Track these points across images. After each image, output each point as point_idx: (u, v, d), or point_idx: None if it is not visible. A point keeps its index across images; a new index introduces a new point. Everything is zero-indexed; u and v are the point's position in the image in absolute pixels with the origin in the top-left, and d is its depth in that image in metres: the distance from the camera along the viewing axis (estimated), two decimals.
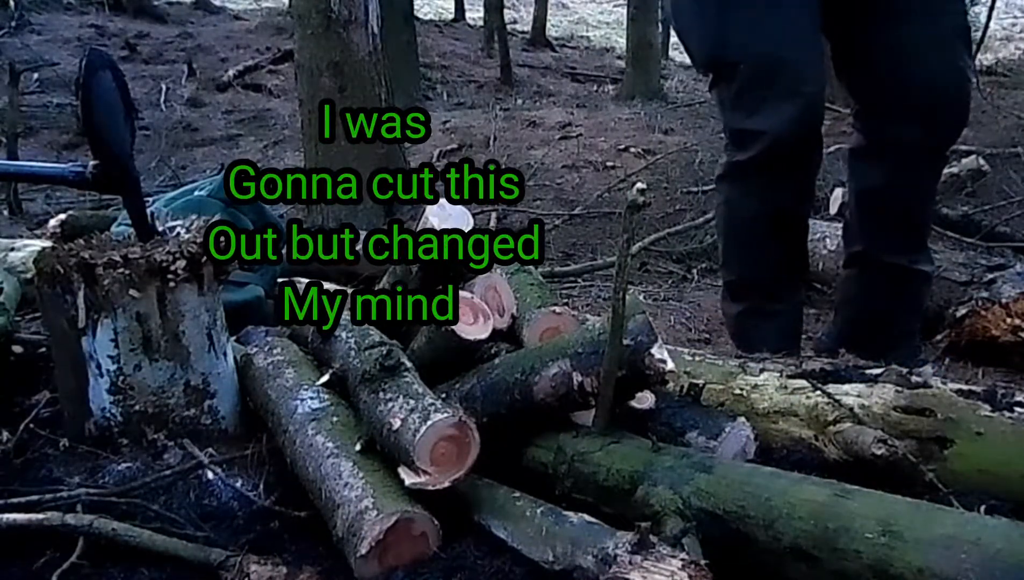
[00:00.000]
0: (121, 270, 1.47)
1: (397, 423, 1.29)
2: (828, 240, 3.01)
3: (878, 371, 1.60)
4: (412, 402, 1.32)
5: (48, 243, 2.44)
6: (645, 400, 1.47)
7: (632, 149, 5.17)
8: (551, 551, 1.16)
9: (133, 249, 1.51)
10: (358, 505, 1.23)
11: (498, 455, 1.38)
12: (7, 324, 1.93)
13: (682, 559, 1.03)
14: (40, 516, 1.30)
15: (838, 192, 3.57)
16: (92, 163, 1.54)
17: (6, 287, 2.08)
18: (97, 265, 1.46)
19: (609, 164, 4.96)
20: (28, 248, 2.55)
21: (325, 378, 1.54)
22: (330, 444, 1.38)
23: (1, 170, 2.55)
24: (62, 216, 3.19)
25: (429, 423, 1.26)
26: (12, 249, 2.60)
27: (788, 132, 1.83)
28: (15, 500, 1.35)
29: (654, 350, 1.30)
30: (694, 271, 3.38)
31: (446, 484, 1.26)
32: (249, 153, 6.32)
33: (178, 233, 1.62)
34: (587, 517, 1.19)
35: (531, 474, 1.40)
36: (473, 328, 1.51)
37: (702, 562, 1.04)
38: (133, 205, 1.62)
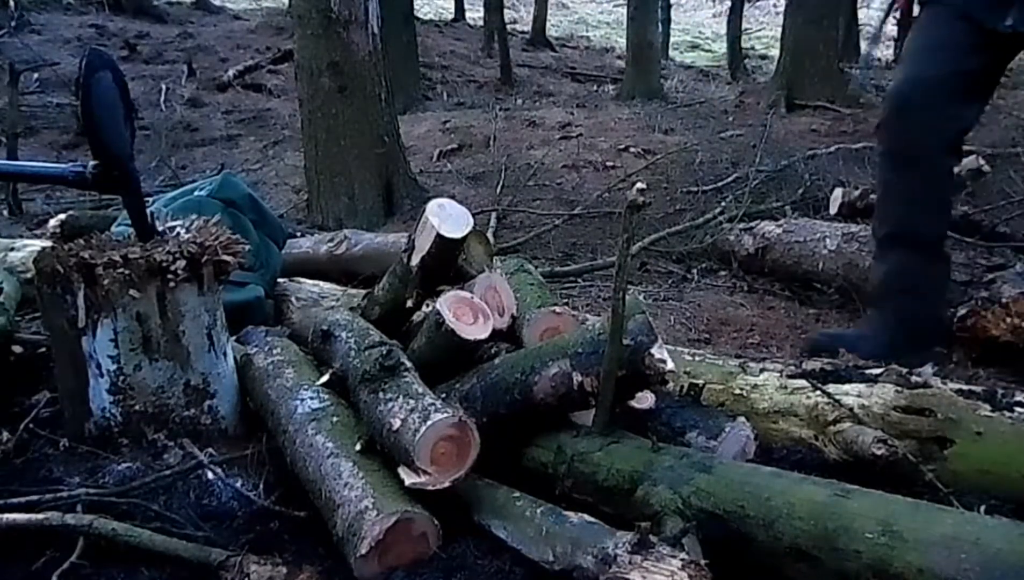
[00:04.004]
0: (121, 270, 1.47)
1: (397, 423, 1.29)
2: (828, 240, 3.00)
3: (878, 371, 1.61)
4: (412, 402, 1.32)
5: (48, 243, 2.43)
6: (645, 400, 1.47)
7: (632, 149, 5.16)
8: (551, 551, 1.16)
9: (133, 249, 1.51)
10: (358, 505, 1.23)
11: (498, 455, 1.38)
12: (7, 324, 1.94)
13: (682, 559, 1.03)
14: (40, 516, 1.30)
15: (838, 192, 3.57)
16: (92, 163, 1.54)
17: (6, 287, 2.08)
18: (97, 265, 1.46)
19: (609, 164, 4.95)
20: (28, 248, 2.55)
21: (325, 378, 1.55)
22: (330, 444, 1.37)
23: (1, 170, 2.55)
24: (62, 216, 3.17)
25: (429, 423, 1.26)
26: (12, 249, 2.60)
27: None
28: (15, 500, 1.35)
29: (654, 350, 1.30)
30: (694, 271, 3.36)
31: (446, 484, 1.26)
32: (249, 153, 6.31)
33: (178, 233, 1.62)
34: (587, 517, 1.19)
35: (531, 474, 1.40)
36: (473, 328, 1.51)
37: (702, 562, 1.04)
38: (133, 205, 1.62)
